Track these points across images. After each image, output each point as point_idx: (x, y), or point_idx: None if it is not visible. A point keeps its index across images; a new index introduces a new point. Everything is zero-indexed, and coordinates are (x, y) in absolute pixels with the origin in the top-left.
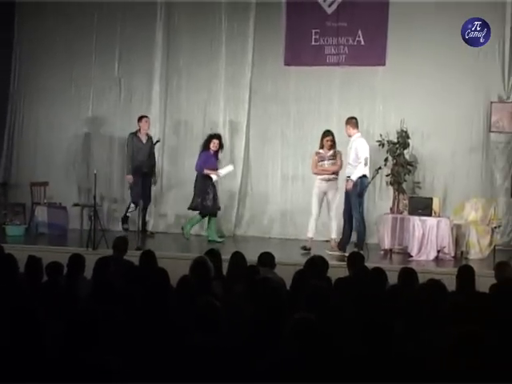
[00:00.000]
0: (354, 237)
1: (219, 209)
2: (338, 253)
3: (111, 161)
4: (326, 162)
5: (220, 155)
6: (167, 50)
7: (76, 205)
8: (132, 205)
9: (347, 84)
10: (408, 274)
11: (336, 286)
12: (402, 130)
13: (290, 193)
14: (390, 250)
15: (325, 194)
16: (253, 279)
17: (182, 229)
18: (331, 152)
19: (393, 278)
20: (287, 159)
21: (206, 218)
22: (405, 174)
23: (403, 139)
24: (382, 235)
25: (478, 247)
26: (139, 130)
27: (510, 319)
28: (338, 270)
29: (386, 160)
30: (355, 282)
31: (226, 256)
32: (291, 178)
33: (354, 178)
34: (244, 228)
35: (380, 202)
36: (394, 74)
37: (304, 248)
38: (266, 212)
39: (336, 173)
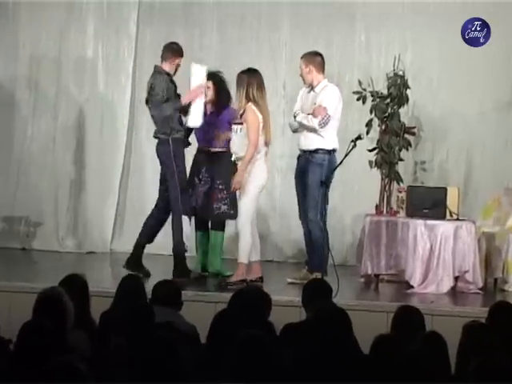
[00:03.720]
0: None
1: (231, 216)
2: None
3: None
4: None
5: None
6: None
7: None
8: (185, 217)
9: None
10: (407, 318)
11: (283, 337)
12: (397, 75)
13: None
14: (377, 276)
15: None
16: (140, 327)
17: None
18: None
19: (381, 324)
20: None
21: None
22: (401, 149)
23: (398, 90)
24: (361, 251)
25: None
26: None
27: None
28: (287, 310)
29: (370, 125)
30: (315, 331)
31: None
32: None
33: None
34: (126, 240)
35: (359, 195)
36: None
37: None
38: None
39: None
